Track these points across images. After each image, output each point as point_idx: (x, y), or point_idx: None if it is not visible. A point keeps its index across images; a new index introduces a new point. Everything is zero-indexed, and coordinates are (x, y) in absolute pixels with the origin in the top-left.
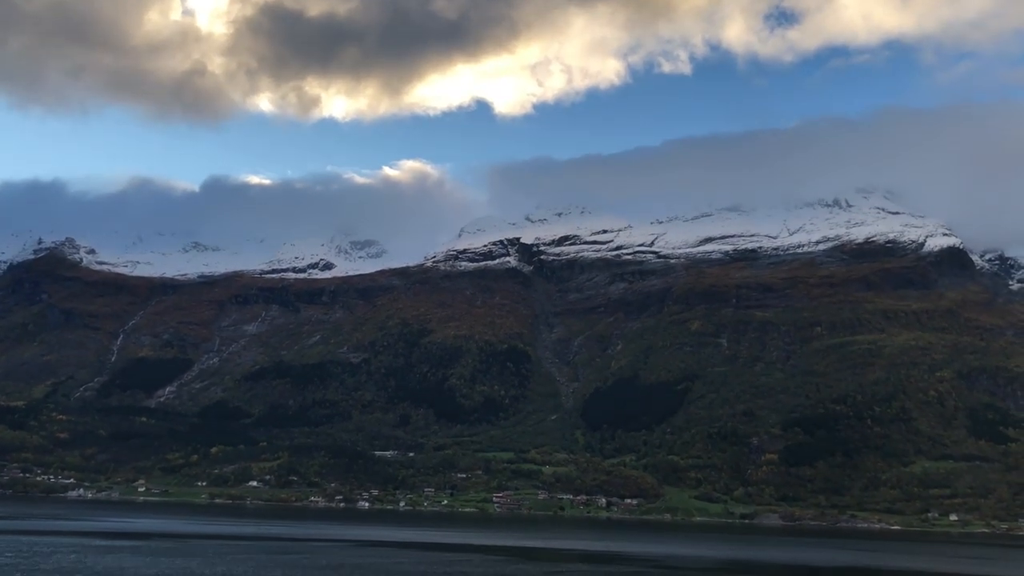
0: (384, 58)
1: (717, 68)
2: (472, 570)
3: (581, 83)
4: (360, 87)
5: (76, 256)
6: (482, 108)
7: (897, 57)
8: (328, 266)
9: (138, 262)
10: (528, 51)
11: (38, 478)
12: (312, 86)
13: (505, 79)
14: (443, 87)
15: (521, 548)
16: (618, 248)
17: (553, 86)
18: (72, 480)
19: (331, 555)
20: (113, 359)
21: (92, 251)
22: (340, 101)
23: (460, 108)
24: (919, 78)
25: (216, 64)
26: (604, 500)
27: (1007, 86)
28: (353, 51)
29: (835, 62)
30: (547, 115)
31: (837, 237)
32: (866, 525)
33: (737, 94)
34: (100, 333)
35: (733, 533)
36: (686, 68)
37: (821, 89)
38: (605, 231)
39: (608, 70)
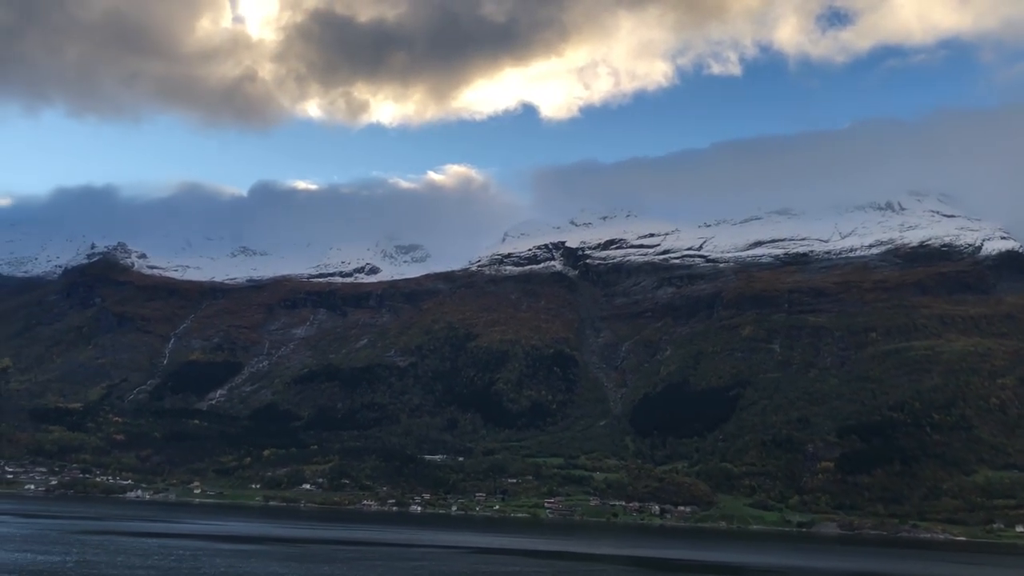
0: (432, 63)
1: (767, 69)
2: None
3: (628, 85)
4: (408, 92)
5: (128, 260)
6: (528, 112)
7: (955, 56)
8: (374, 270)
9: (188, 266)
10: (576, 54)
11: (97, 479)
12: (361, 91)
13: (552, 82)
14: (490, 91)
15: (650, 559)
16: (665, 252)
17: (600, 89)
18: (130, 481)
19: (462, 563)
20: (165, 362)
21: (143, 255)
22: (388, 106)
23: (506, 112)
24: (978, 77)
25: (266, 70)
26: (657, 507)
27: None
28: (402, 56)
29: (890, 62)
30: (594, 118)
31: (890, 241)
32: (929, 535)
33: (787, 96)
34: (152, 336)
35: (807, 542)
36: (736, 69)
37: (875, 90)
38: (652, 235)
39: (656, 72)
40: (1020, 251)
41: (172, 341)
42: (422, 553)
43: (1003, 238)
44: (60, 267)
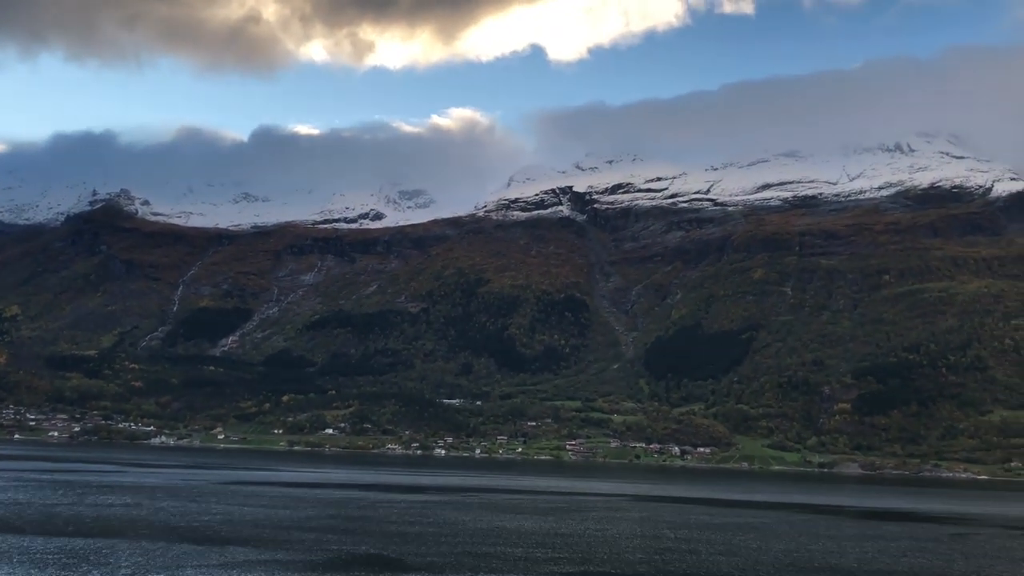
0: (440, 1)
1: (781, 7)
2: (810, 528)
3: (639, 25)
4: (415, 32)
5: (131, 207)
6: (536, 53)
7: None
8: (378, 216)
9: (191, 213)
10: None
11: (120, 425)
12: (366, 32)
13: (561, 22)
14: (498, 32)
15: (810, 505)
16: (673, 196)
17: (610, 29)
18: (152, 427)
19: (670, 513)
20: (175, 309)
21: (146, 202)
22: (395, 47)
23: (514, 54)
24: (999, 14)
25: (270, 11)
26: (677, 449)
27: None
28: None
29: None
30: (603, 59)
31: (900, 182)
32: (951, 475)
33: (802, 34)
34: (160, 283)
35: (846, 484)
36: (749, 8)
37: (892, 28)
38: (659, 178)
39: (667, 11)
40: None
41: (181, 288)
42: (603, 502)
43: (1012, 179)
44: (62, 214)
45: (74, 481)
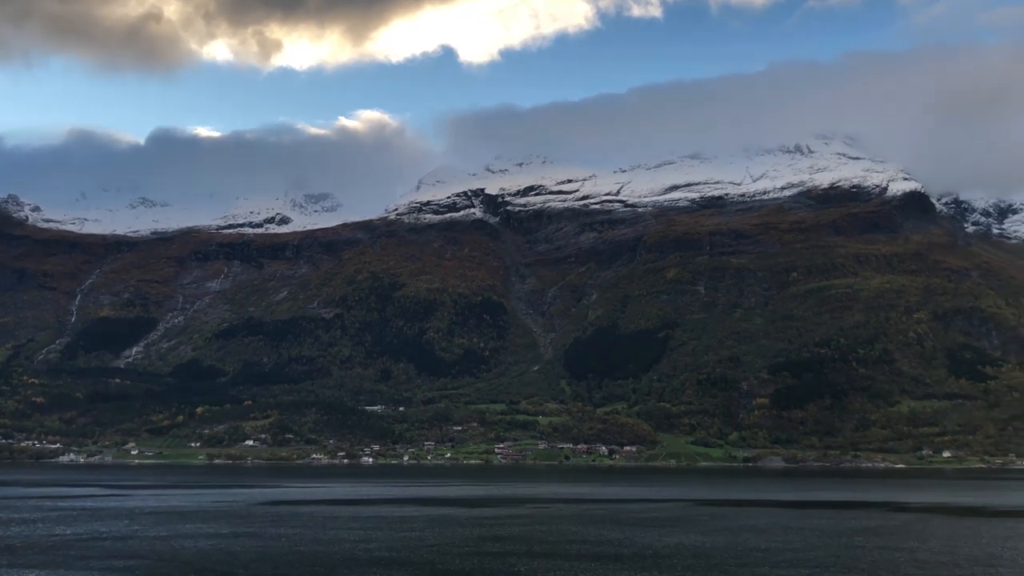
0: (350, 1)
1: (688, 12)
2: (930, 529)
3: (549, 28)
4: (324, 33)
5: (21, 213)
6: (447, 55)
7: None
8: (285, 220)
9: (86, 219)
10: None
11: (22, 443)
12: (274, 31)
13: (472, 24)
14: (409, 33)
15: (840, 502)
16: (585, 197)
17: (520, 31)
18: (58, 445)
19: (749, 518)
20: (73, 320)
21: (37, 208)
22: (303, 46)
23: (424, 55)
24: (896, 19)
25: (172, 9)
26: (605, 448)
27: (980, 28)
28: None
29: (811, 3)
30: (513, 62)
31: (801, 183)
32: (870, 464)
33: (708, 38)
34: (56, 293)
35: (784, 477)
36: (656, 12)
37: (795, 32)
38: (570, 180)
39: (577, 14)
40: (922, 191)
41: (79, 297)
42: (684, 508)
43: (905, 179)
44: None
45: (102, 509)
